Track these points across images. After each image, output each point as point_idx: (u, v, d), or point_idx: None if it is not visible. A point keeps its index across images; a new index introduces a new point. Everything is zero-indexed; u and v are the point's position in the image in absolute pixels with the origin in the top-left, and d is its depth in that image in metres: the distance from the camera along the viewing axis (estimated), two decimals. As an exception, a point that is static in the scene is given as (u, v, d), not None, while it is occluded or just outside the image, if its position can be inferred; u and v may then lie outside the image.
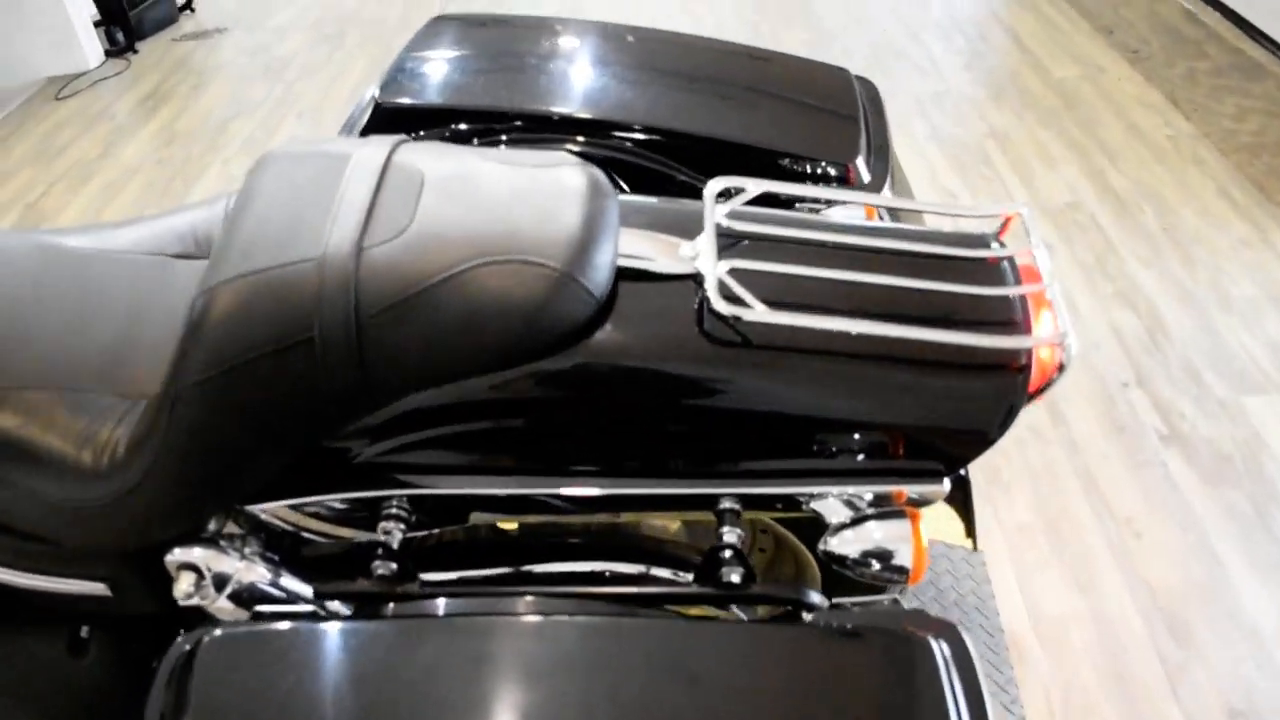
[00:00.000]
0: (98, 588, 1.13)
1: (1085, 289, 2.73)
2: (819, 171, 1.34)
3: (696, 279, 1.00)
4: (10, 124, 4.30)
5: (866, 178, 1.36)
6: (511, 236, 0.94)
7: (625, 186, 1.36)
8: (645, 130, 1.34)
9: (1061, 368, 0.98)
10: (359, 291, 0.92)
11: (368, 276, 0.93)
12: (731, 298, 0.96)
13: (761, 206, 1.10)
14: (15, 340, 1.08)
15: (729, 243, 1.03)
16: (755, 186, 1.07)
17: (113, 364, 1.09)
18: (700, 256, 1.00)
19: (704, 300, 0.98)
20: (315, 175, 1.02)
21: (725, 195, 1.08)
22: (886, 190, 1.35)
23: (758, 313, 0.95)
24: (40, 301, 1.12)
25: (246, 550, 1.08)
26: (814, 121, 1.40)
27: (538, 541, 1.21)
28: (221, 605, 1.07)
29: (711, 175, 1.36)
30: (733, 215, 1.05)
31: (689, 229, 1.06)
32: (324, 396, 0.95)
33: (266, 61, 4.60)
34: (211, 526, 1.08)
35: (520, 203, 0.98)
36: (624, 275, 1.01)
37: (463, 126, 1.38)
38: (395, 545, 1.04)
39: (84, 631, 1.25)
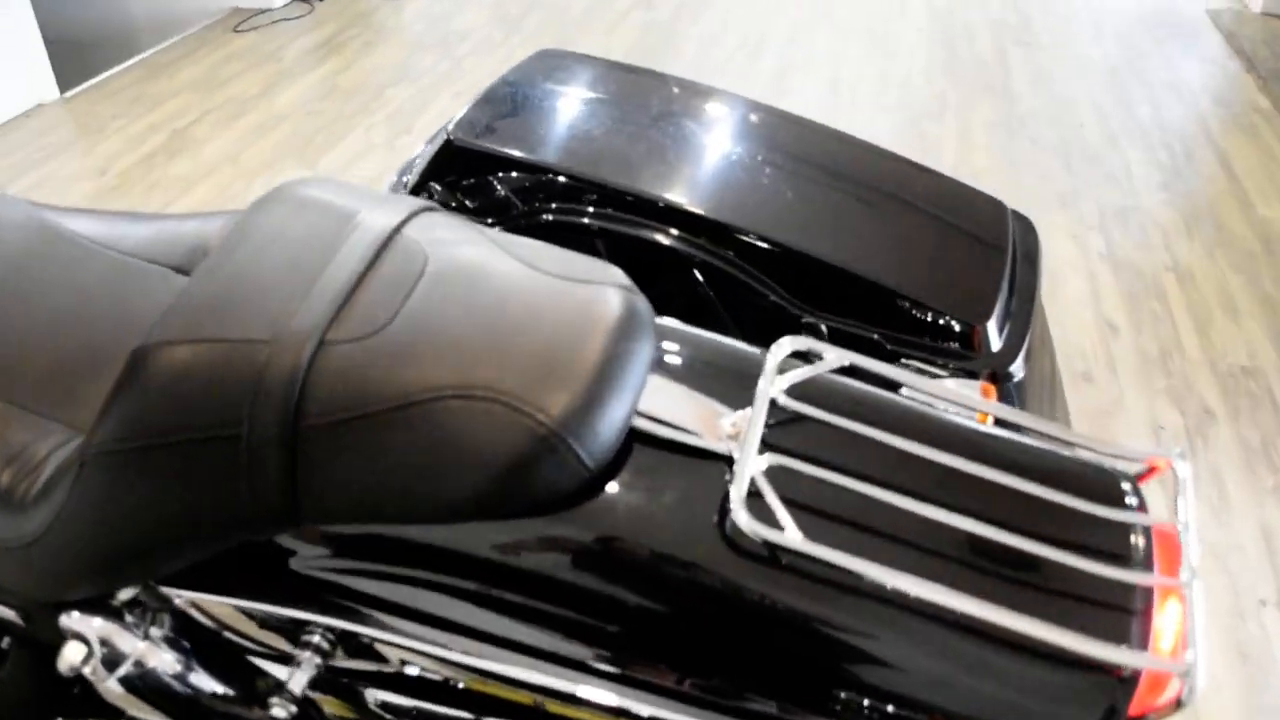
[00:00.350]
0: (10, 613, 1.01)
1: (1241, 474, 2.39)
2: (939, 324, 1.12)
3: (730, 462, 0.80)
4: (186, 46, 4.37)
5: (995, 345, 1.12)
6: (503, 367, 0.76)
7: (711, 293, 1.16)
8: (746, 235, 1.14)
9: (1179, 703, 0.74)
10: (304, 393, 0.76)
11: (320, 378, 0.76)
12: (761, 508, 0.75)
13: (839, 374, 0.89)
14: None
15: (782, 423, 0.82)
16: (834, 356, 0.86)
17: (72, 383, 0.96)
18: (740, 439, 0.80)
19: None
20: (311, 232, 0.86)
21: (800, 356, 0.88)
22: (1019, 363, 1.12)
23: (788, 539, 0.74)
24: (22, 294, 0.99)
25: (154, 631, 0.93)
26: (949, 263, 1.17)
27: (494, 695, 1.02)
28: (110, 687, 0.93)
29: (811, 302, 1.15)
30: (795, 391, 0.84)
31: (742, 391, 0.85)
32: (248, 503, 0.78)
33: (444, 32, 4.56)
34: (124, 595, 0.93)
35: (531, 324, 0.79)
36: (643, 437, 0.81)
37: (538, 187, 1.20)
38: (301, 685, 0.87)
39: (4, 642, 1.13)
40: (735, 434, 0.80)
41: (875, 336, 1.13)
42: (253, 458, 0.76)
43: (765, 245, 1.14)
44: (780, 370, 0.85)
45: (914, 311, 1.12)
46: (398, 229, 0.86)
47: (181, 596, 0.91)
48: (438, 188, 1.26)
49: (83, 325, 0.99)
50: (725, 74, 4.20)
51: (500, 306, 0.80)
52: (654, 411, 0.81)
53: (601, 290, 0.84)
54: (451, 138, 1.25)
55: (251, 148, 3.57)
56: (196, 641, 0.97)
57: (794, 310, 1.14)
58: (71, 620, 0.91)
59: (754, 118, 1.32)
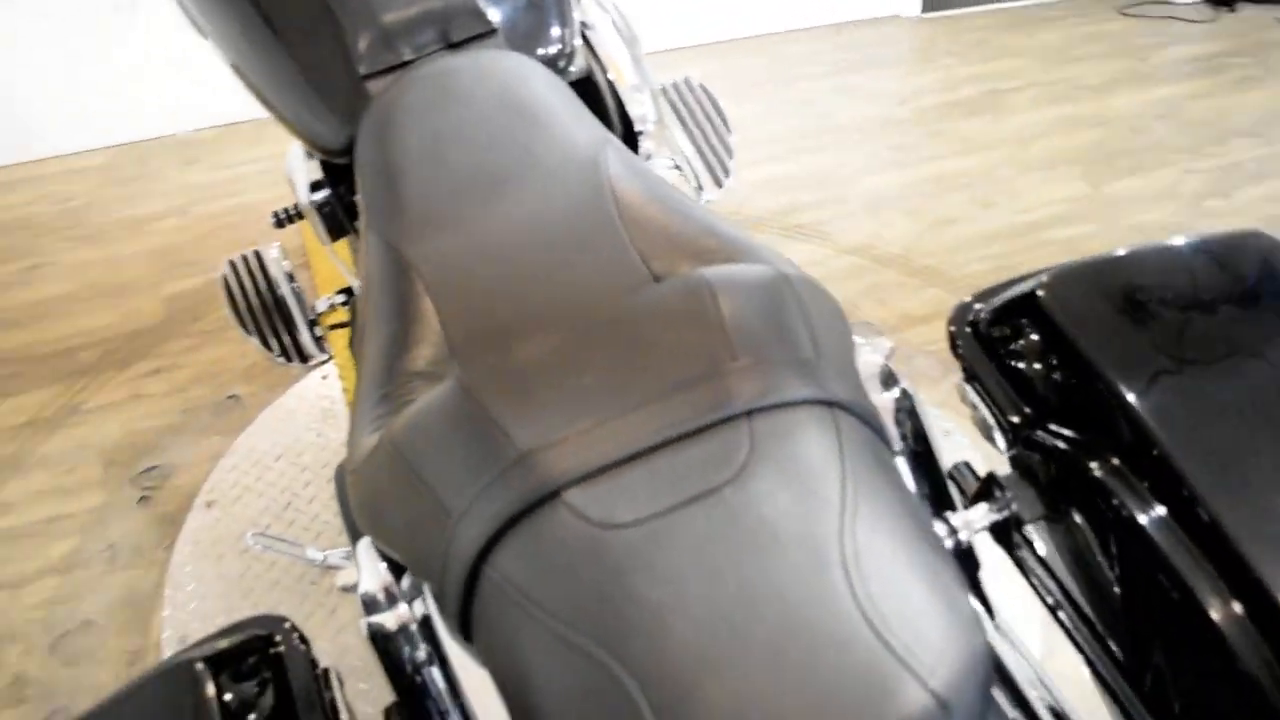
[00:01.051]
0: None
1: None
2: None
3: None
4: (1064, 8, 4.16)
5: None
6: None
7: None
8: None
9: None
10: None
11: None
12: None
13: None
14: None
15: None
16: None
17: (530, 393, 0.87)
18: None
19: None
20: (671, 356, 0.67)
21: None
22: None
23: None
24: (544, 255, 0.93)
25: (417, 606, 0.86)
26: None
27: None
28: (360, 626, 0.89)
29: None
30: None
31: None
32: None
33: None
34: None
35: (764, 663, 0.53)
36: None
37: (1104, 427, 0.82)
38: None
39: None
40: None
41: None
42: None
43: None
44: None
45: None
46: (749, 412, 0.64)
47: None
48: (1001, 341, 0.96)
49: (560, 325, 0.87)
50: None
51: (748, 607, 0.55)
52: None
53: (899, 681, 0.53)
54: (1041, 299, 0.90)
55: (1047, 138, 3.29)
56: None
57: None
58: (363, 550, 0.88)
59: None
